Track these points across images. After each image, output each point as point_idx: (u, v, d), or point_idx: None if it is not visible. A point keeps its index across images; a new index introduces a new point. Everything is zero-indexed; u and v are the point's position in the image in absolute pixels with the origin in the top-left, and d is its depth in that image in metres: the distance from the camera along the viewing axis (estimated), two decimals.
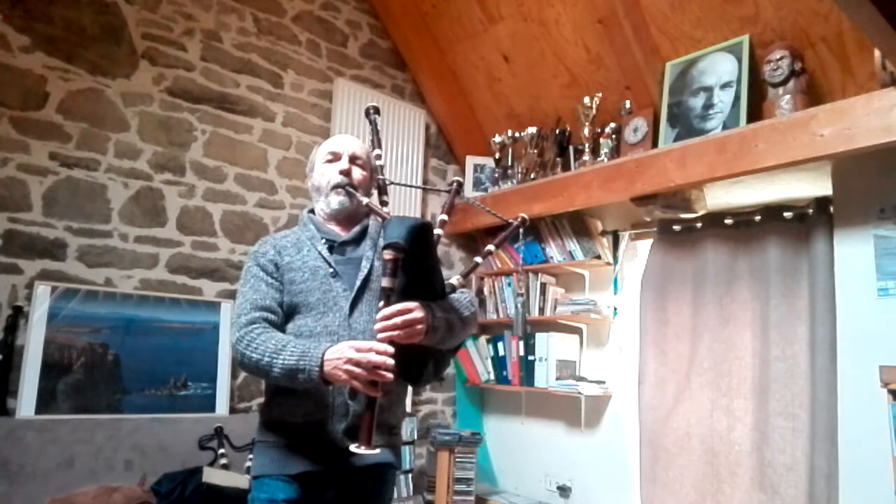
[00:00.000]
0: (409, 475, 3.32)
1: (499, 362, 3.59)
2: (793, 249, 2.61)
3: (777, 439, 2.53)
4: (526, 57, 3.37)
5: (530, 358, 3.38)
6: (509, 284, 3.54)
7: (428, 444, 3.42)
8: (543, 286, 3.42)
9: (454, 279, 1.55)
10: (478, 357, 3.69)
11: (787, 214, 2.63)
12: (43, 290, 2.41)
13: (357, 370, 1.29)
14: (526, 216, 1.73)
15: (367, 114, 1.71)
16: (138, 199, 2.72)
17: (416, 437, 3.37)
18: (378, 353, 1.29)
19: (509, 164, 3.62)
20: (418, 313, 1.35)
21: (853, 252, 2.29)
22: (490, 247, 1.64)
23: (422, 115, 3.75)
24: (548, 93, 3.43)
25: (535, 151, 3.46)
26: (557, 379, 3.22)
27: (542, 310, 3.39)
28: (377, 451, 1.32)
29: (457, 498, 3.26)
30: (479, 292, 3.76)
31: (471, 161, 3.81)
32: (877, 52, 2.08)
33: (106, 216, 2.63)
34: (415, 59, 3.76)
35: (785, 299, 2.60)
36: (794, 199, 2.64)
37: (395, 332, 1.33)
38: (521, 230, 1.71)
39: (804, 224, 2.59)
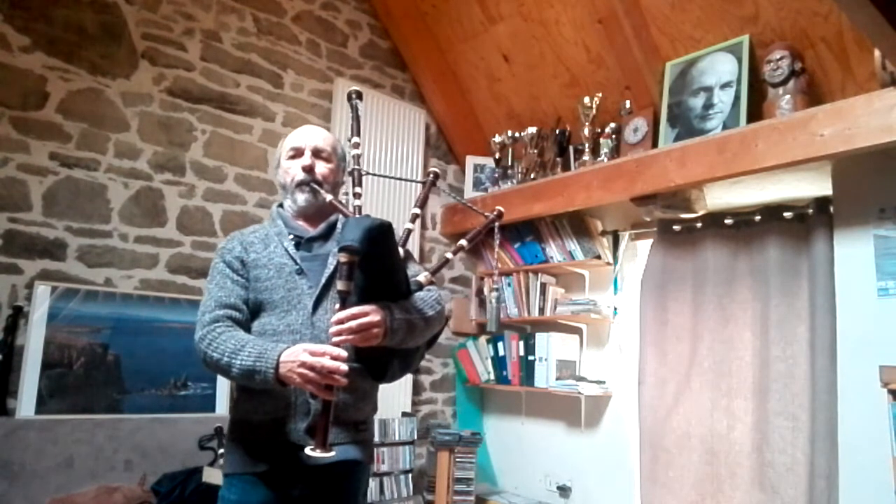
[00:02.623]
0: (409, 475, 3.31)
1: (499, 362, 3.59)
2: (793, 249, 2.61)
3: (777, 439, 2.53)
4: (526, 57, 3.37)
5: (530, 358, 3.38)
6: (509, 285, 3.54)
7: (428, 444, 3.42)
8: (543, 286, 3.42)
9: (421, 276, 1.50)
10: (478, 357, 3.69)
11: (787, 214, 2.63)
12: (43, 290, 2.41)
13: (311, 374, 1.26)
14: (502, 209, 1.68)
15: (350, 98, 1.64)
16: (138, 199, 2.72)
17: (416, 437, 3.37)
18: (332, 357, 1.26)
19: (509, 164, 3.62)
20: (374, 317, 1.31)
21: (853, 252, 2.29)
22: (462, 242, 1.59)
23: (422, 115, 3.75)
24: (548, 93, 3.43)
25: (535, 151, 3.46)
26: (557, 379, 3.22)
27: (542, 310, 3.39)
28: (332, 453, 1.29)
29: (457, 498, 3.26)
30: (479, 292, 3.76)
31: (471, 161, 3.81)
32: (877, 52, 2.08)
33: (106, 216, 2.63)
34: (415, 59, 3.76)
35: (785, 299, 2.60)
36: (794, 199, 2.64)
37: (350, 337, 1.29)
38: (496, 224, 1.66)
39: (804, 224, 2.59)
